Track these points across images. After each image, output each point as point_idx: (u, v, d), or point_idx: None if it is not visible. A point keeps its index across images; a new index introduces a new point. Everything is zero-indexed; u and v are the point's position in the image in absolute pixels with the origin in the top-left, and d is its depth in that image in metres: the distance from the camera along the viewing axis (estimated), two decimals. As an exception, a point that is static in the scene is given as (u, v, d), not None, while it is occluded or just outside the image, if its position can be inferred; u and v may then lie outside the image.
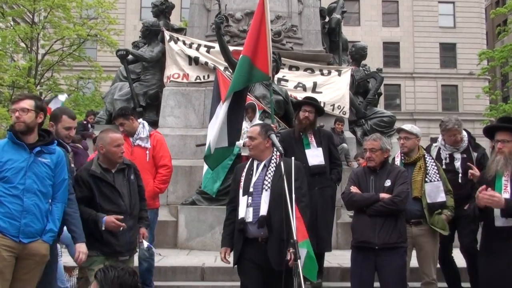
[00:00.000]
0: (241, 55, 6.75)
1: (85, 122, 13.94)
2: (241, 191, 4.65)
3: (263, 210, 4.49)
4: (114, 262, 4.45)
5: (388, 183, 4.99)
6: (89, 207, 4.63)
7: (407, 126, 5.70)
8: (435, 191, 5.45)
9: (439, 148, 6.08)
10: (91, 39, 24.95)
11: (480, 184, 4.52)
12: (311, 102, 6.48)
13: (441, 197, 5.46)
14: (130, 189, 4.80)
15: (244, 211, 4.55)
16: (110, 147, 4.70)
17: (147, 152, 6.02)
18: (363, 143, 5.68)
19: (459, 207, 5.64)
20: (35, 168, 4.20)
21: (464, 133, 6.03)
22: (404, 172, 5.17)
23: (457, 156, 5.97)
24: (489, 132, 4.86)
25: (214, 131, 6.49)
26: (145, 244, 4.96)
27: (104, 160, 4.75)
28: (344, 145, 9.91)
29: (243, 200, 4.59)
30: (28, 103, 4.25)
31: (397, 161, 5.61)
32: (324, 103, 9.77)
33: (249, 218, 4.53)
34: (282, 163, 4.40)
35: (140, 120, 6.28)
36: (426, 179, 5.47)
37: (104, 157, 4.75)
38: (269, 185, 4.53)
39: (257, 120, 7.65)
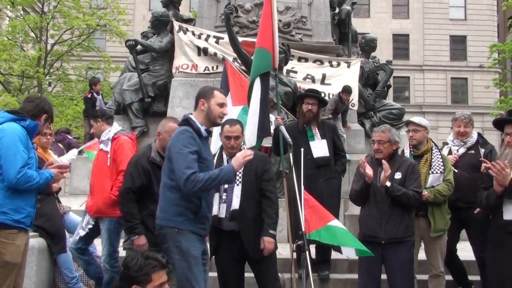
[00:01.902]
0: (255, 48, 6.46)
1: (89, 95, 13.06)
2: None
3: (235, 204, 4.57)
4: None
5: (398, 175, 4.96)
6: (143, 196, 4.47)
7: (416, 119, 5.68)
8: (436, 182, 5.44)
9: (450, 149, 6.02)
10: (100, 29, 24.94)
11: (489, 180, 4.48)
12: (313, 95, 6.42)
13: (437, 184, 5.44)
14: None
15: (218, 208, 4.59)
16: (167, 136, 4.56)
17: (108, 156, 5.63)
18: (372, 135, 5.65)
19: (469, 209, 5.58)
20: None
21: (474, 132, 6.03)
22: (415, 165, 5.13)
23: (463, 151, 5.93)
24: (499, 124, 4.85)
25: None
26: None
27: (161, 148, 4.61)
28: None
29: (215, 197, 4.58)
30: None
31: (406, 153, 5.59)
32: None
33: (222, 214, 4.59)
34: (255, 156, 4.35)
35: (114, 123, 5.87)
36: (430, 171, 5.45)
37: (160, 144, 4.61)
38: (240, 179, 4.59)
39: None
